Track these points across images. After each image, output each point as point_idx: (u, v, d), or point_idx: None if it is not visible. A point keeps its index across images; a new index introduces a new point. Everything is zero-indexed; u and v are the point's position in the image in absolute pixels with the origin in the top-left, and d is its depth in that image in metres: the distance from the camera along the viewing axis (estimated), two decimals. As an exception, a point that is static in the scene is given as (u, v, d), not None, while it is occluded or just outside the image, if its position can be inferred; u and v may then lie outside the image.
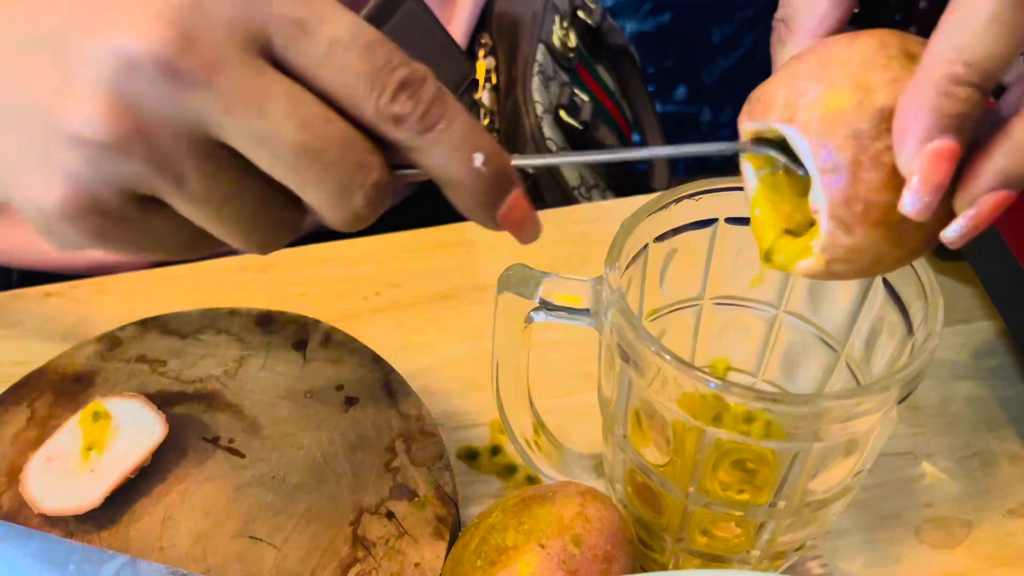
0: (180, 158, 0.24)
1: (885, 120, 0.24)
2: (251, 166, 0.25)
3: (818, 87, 0.25)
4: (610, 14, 1.56)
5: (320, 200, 0.25)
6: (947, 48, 0.23)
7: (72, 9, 0.24)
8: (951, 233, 0.25)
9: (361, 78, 0.24)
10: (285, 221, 0.27)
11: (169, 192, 0.25)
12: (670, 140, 1.58)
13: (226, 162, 0.25)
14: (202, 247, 0.28)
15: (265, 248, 0.27)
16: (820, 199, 0.25)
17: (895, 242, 0.25)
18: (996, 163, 0.24)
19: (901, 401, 0.29)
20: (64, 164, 0.24)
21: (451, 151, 0.25)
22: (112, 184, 0.24)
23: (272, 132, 0.24)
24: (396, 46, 0.25)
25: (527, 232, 0.28)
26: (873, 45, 0.25)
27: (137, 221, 0.26)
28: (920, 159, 0.23)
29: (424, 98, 0.25)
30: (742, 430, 0.29)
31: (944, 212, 0.25)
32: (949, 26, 0.23)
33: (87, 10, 0.24)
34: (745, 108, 0.27)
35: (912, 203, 0.24)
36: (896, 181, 0.24)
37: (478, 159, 0.25)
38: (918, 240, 0.26)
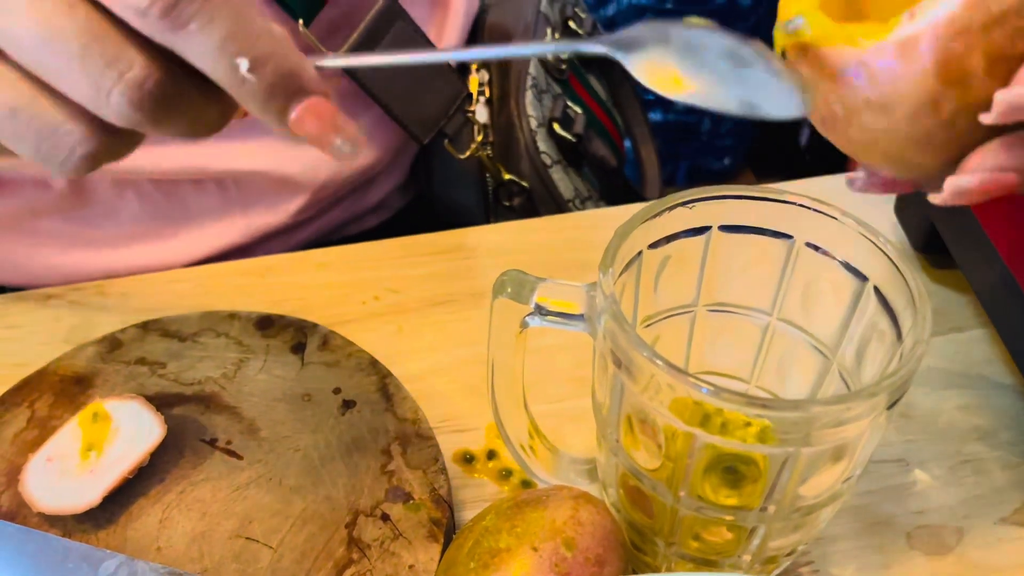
0: None
1: None
2: (4, 62, 0.25)
3: None
4: (612, 24, 1.57)
5: (78, 97, 0.24)
6: None
7: None
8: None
9: None
10: (61, 131, 0.25)
11: None
12: (669, 147, 1.59)
13: None
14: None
15: (59, 167, 0.26)
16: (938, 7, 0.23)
17: (939, 131, 0.24)
18: None
19: (890, 407, 0.29)
20: None
21: (210, 54, 0.24)
22: None
23: (11, 26, 0.24)
24: None
25: (334, 144, 0.26)
26: None
27: None
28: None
29: None
30: (733, 435, 0.29)
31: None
32: None
33: None
34: None
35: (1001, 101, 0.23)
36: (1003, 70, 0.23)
37: (243, 65, 0.24)
38: (947, 151, 0.25)
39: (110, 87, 0.24)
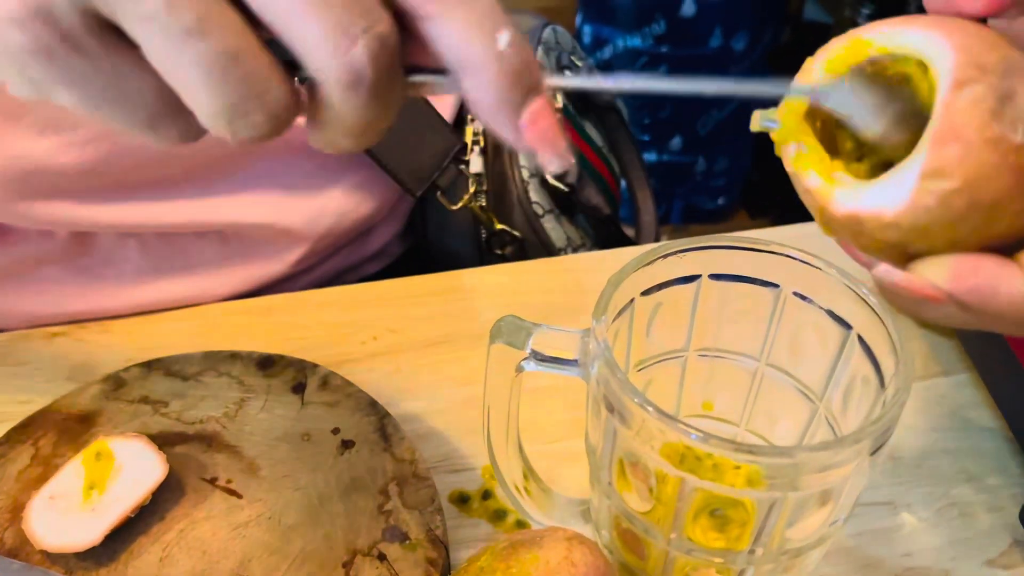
0: None
1: None
2: (227, 3, 0.22)
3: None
4: (608, 67, 1.59)
5: (316, 39, 0.22)
6: None
7: None
8: None
9: None
10: (261, 88, 0.23)
11: (125, 10, 0.22)
12: (664, 187, 1.61)
13: None
14: (170, 118, 0.24)
15: (234, 125, 0.23)
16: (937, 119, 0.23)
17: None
18: None
19: (874, 453, 0.30)
20: None
21: (471, 23, 0.22)
22: None
23: None
24: None
25: (553, 151, 0.24)
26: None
27: (94, 53, 0.23)
28: (922, 287, 0.23)
29: None
30: (722, 479, 0.30)
31: None
32: None
33: None
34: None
35: (883, 273, 0.24)
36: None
37: (503, 40, 0.22)
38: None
39: (357, 35, 0.22)
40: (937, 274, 0.24)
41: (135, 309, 0.51)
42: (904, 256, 0.25)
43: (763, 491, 0.30)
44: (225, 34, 0.22)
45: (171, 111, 0.24)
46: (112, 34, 0.23)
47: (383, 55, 0.22)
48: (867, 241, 0.25)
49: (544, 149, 0.24)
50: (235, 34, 0.22)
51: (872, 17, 1.54)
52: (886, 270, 0.25)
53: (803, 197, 0.26)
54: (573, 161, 0.25)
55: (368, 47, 0.22)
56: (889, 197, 0.24)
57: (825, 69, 0.26)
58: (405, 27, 0.23)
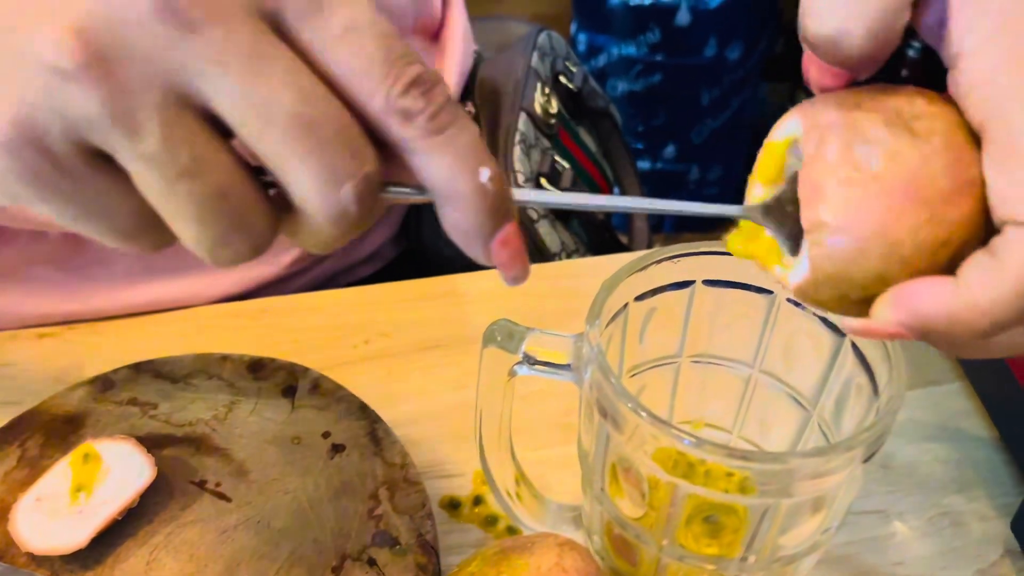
0: (144, 108, 0.22)
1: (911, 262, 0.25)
2: (221, 142, 0.23)
3: (851, 250, 0.25)
4: (602, 75, 1.59)
5: (307, 181, 0.23)
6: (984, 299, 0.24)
7: None
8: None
9: (375, 64, 0.23)
10: (246, 222, 0.24)
11: (122, 147, 0.22)
12: (657, 195, 1.61)
13: (194, 127, 0.23)
14: (149, 234, 0.25)
15: (216, 253, 0.24)
16: (795, 273, 0.27)
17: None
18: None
19: (866, 460, 0.30)
20: (17, 84, 0.22)
21: (458, 160, 0.24)
22: (62, 120, 0.22)
23: (267, 95, 0.22)
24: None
25: (516, 271, 0.26)
26: (938, 252, 0.25)
27: (81, 177, 0.23)
28: (883, 327, 0.25)
29: (436, 99, 0.23)
30: (715, 485, 0.30)
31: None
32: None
33: None
34: (812, 134, 0.26)
35: (851, 327, 0.26)
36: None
37: (485, 174, 0.24)
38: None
39: (343, 180, 0.23)
40: (882, 311, 0.25)
41: (127, 310, 0.51)
42: (863, 305, 0.26)
43: (756, 497, 0.30)
44: (217, 173, 0.23)
45: (150, 227, 0.24)
46: (101, 160, 0.23)
47: (368, 193, 0.24)
48: (820, 305, 0.27)
49: (509, 270, 0.26)
50: (227, 172, 0.23)
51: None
52: (848, 323, 0.27)
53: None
54: (529, 274, 0.27)
55: (355, 189, 0.23)
56: (801, 266, 0.26)
57: (762, 183, 0.28)
58: (388, 151, 0.24)
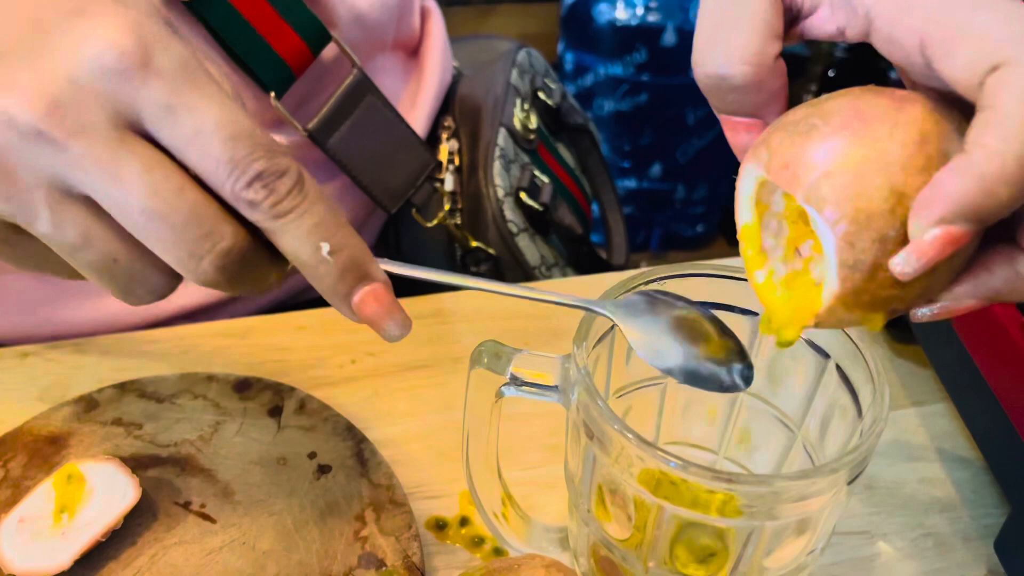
0: (35, 201, 0.27)
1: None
2: (109, 219, 0.28)
3: (853, 184, 0.25)
4: (589, 94, 1.60)
5: (171, 261, 0.28)
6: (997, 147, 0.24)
7: None
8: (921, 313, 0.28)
9: (220, 164, 0.27)
10: (141, 277, 0.29)
11: (28, 227, 0.28)
12: (644, 214, 1.61)
13: (79, 212, 0.28)
14: (77, 275, 0.30)
15: (124, 298, 0.30)
16: (832, 282, 0.27)
17: (884, 313, 0.27)
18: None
19: (851, 482, 0.30)
20: None
21: (299, 239, 0.28)
22: None
23: (123, 194, 0.27)
24: (271, 141, 0.28)
25: (386, 328, 0.30)
26: (915, 138, 0.26)
27: (11, 242, 0.30)
28: (931, 237, 0.25)
29: (279, 189, 0.28)
30: (700, 507, 0.30)
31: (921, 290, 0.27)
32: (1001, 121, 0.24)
33: None
34: (761, 155, 0.28)
35: (902, 264, 0.25)
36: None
37: (324, 248, 0.28)
38: (900, 304, 0.28)
39: (201, 256, 0.28)
40: (916, 224, 0.25)
41: (109, 320, 0.50)
42: (925, 294, 0.27)
43: (741, 519, 0.30)
44: (105, 244, 0.28)
45: (75, 273, 0.30)
46: (20, 228, 0.29)
47: (229, 263, 0.28)
48: (875, 289, 0.27)
49: (377, 327, 0.30)
50: (113, 242, 0.28)
51: (848, 51, 1.57)
52: (920, 313, 0.27)
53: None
54: (411, 325, 0.31)
55: (213, 263, 0.28)
56: (830, 264, 0.27)
57: (759, 266, 0.30)
58: None
